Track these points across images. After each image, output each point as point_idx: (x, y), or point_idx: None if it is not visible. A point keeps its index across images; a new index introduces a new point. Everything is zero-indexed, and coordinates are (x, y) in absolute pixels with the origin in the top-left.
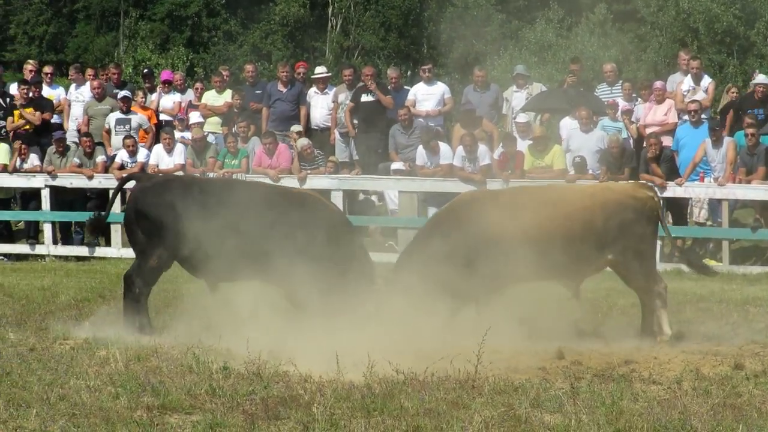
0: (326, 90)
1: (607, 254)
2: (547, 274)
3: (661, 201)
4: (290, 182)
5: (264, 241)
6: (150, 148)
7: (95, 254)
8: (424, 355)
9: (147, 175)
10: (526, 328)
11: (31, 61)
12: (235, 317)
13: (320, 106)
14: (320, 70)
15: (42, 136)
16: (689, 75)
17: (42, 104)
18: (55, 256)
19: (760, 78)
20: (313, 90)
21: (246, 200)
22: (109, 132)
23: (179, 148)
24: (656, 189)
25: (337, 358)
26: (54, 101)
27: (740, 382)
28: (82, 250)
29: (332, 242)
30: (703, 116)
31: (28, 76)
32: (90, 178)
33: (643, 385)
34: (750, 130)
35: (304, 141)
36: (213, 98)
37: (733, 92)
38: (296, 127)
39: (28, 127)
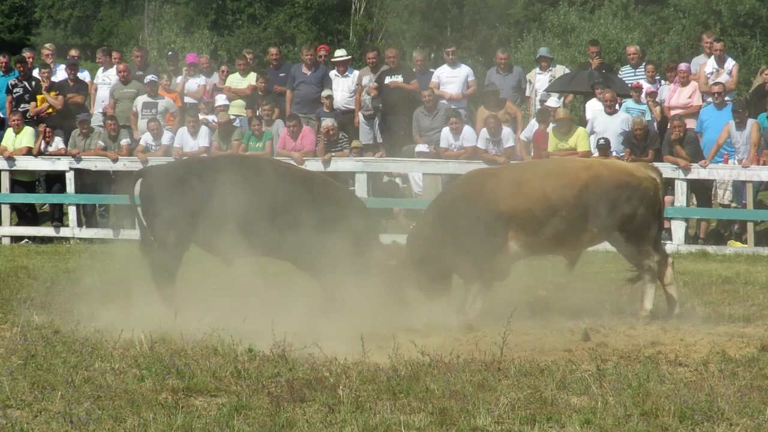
0: (347, 73)
1: (593, 227)
2: (547, 244)
3: (685, 182)
4: (314, 165)
5: (268, 216)
6: (175, 131)
7: (120, 236)
8: (450, 336)
9: (152, 167)
10: (552, 309)
11: (47, 45)
12: (259, 300)
13: (341, 89)
14: (340, 53)
15: (67, 119)
16: (713, 57)
17: (72, 87)
18: (80, 239)
19: None
20: (333, 73)
21: (247, 177)
22: (136, 115)
23: (203, 130)
24: (660, 171)
25: (362, 340)
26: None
27: (767, 364)
28: (107, 233)
29: (339, 214)
30: (726, 98)
31: (46, 60)
32: (114, 160)
33: (670, 366)
34: None
35: (328, 121)
36: (237, 81)
37: (767, 73)
38: (326, 92)
39: (51, 110)
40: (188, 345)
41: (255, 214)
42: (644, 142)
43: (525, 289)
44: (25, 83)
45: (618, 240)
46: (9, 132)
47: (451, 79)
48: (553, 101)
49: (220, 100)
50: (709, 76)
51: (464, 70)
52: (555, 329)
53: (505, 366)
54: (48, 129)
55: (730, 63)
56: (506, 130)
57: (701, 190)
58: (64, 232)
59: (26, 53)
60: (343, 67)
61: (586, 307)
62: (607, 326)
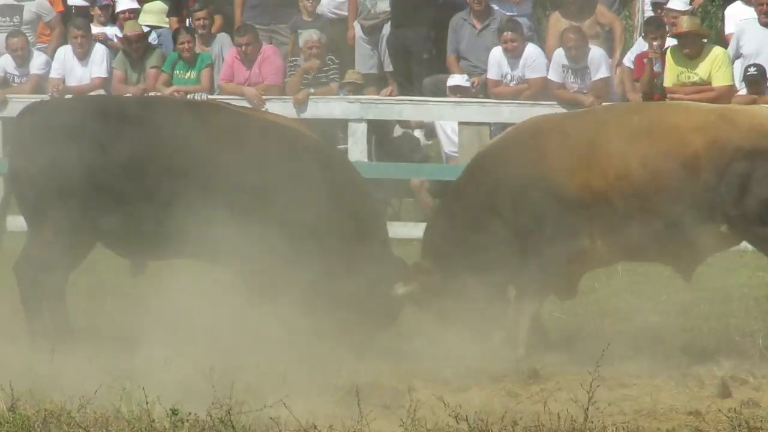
0: None
1: (720, 224)
2: (638, 249)
3: None
4: (280, 107)
5: (213, 195)
6: (52, 53)
7: None
8: (501, 390)
9: (37, 103)
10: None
11: None
12: (190, 328)
13: None
14: None
15: None
16: None
17: None
18: None
19: None
20: None
21: (183, 131)
22: None
23: (99, 52)
24: None
25: (357, 393)
26: None
27: None
28: None
29: (324, 197)
30: None
31: None
32: None
33: None
34: None
35: (312, 33)
36: None
37: None
38: None
39: None
40: (73, 403)
41: (193, 189)
42: None
43: (624, 311)
44: None
45: (760, 239)
46: None
47: None
48: (676, 3)
49: (125, 2)
50: None
51: None
52: (673, 378)
53: None
54: None
55: None
56: (596, 52)
57: None
58: None
59: None
60: None
61: (723, 343)
62: (758, 374)
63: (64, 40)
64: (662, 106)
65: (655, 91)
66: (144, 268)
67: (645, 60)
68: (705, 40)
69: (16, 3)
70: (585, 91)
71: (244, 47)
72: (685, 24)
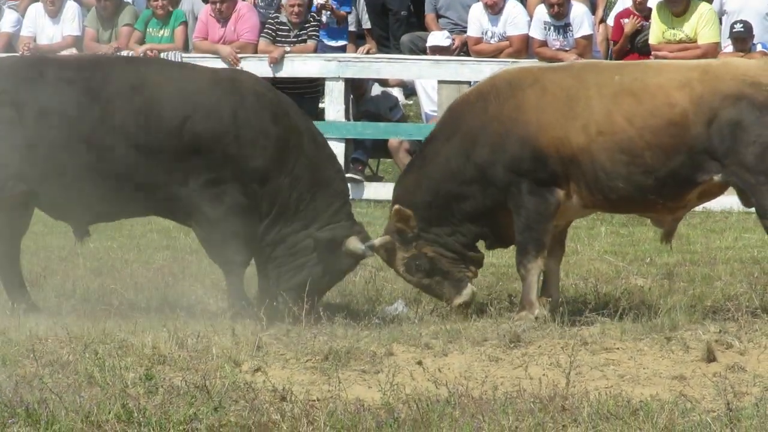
0: None
1: (713, 175)
2: (624, 202)
3: None
4: (256, 66)
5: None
6: (23, 12)
7: None
8: (482, 354)
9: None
10: (653, 308)
11: None
12: (162, 287)
13: None
14: None
15: None
16: None
17: None
18: None
19: None
20: None
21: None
22: None
23: (71, 9)
24: None
25: (333, 358)
26: None
27: None
28: None
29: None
30: None
31: None
32: None
33: None
34: None
35: None
36: None
37: None
38: None
39: None
40: (45, 367)
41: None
42: None
43: (607, 273)
44: None
45: (751, 186)
46: None
47: None
48: None
49: None
50: None
51: None
52: (657, 342)
53: (574, 403)
54: None
55: None
56: (578, 9)
57: None
58: None
59: None
60: None
61: (709, 306)
62: (744, 338)
63: None
64: (641, 65)
65: (633, 51)
66: (86, 231)
67: (623, 20)
68: None
69: None
70: (567, 49)
71: (218, 4)
72: None
